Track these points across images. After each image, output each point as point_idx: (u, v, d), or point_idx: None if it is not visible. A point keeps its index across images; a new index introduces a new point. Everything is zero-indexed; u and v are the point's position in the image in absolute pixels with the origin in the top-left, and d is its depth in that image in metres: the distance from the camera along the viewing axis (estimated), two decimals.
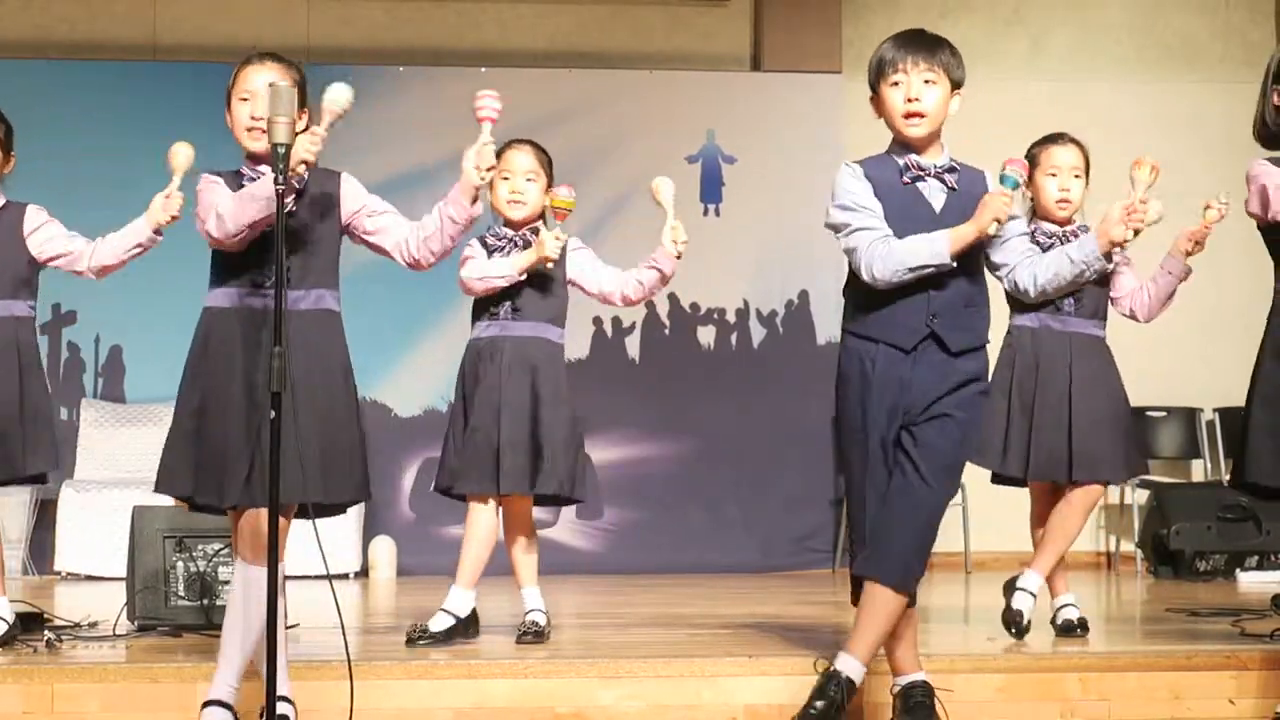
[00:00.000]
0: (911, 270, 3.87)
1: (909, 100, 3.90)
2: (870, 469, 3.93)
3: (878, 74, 3.97)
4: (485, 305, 4.93)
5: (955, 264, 3.86)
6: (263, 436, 3.70)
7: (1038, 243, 4.97)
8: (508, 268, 4.83)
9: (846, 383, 3.99)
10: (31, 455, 4.78)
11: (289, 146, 3.63)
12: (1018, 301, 5.01)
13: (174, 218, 4.65)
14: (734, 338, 8.83)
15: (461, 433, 4.88)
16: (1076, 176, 5.10)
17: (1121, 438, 5.13)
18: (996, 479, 5.18)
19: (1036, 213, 5.14)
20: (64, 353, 8.38)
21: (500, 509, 4.93)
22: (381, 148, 8.03)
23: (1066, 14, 9.27)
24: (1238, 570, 7.70)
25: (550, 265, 4.82)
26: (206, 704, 3.86)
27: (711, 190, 8.86)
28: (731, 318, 8.82)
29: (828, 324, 8.73)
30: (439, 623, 4.80)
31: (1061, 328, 5.11)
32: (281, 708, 3.85)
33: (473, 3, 9.01)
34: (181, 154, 4.55)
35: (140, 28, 8.76)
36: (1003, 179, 3.87)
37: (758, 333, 8.82)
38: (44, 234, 4.85)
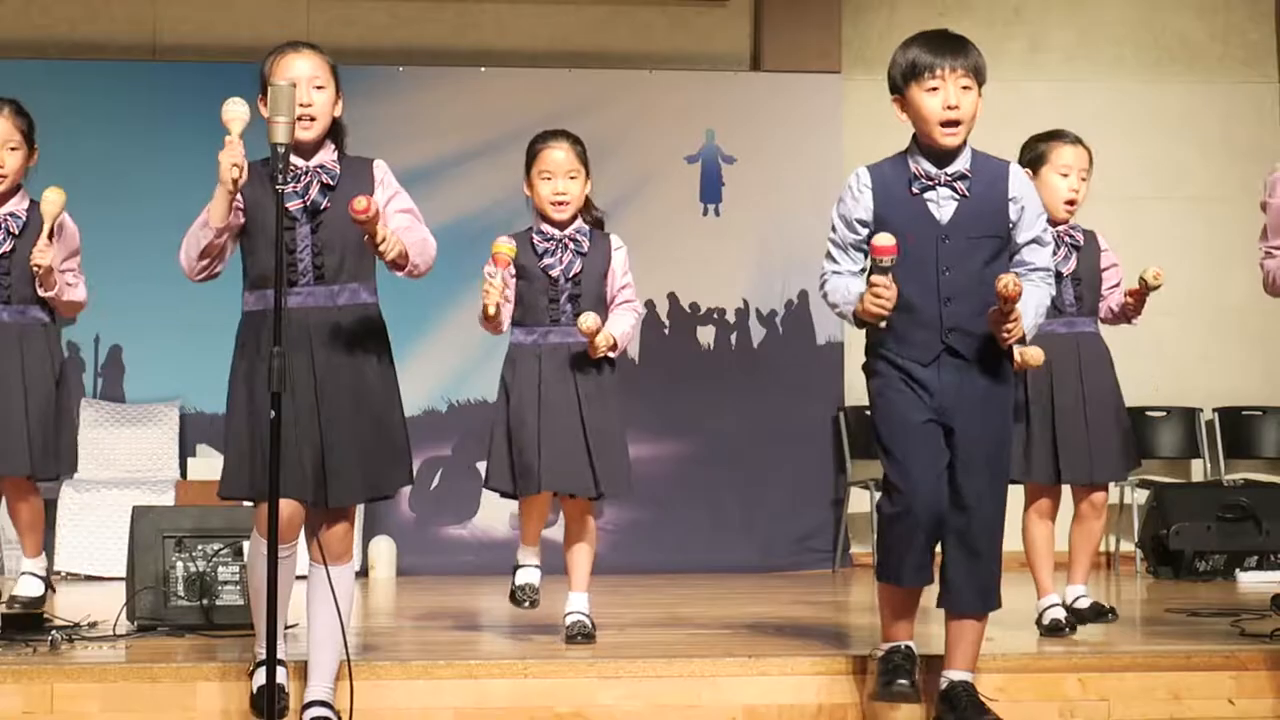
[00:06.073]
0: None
1: (949, 108, 3.83)
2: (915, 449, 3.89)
3: (908, 76, 3.86)
4: (539, 306, 4.89)
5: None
6: (325, 435, 3.84)
7: None
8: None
9: (882, 395, 3.94)
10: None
11: (289, 146, 3.68)
12: None
13: None
14: (734, 338, 8.82)
15: (506, 438, 4.88)
16: (1084, 179, 5.08)
17: (1123, 434, 5.15)
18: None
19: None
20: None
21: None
22: (381, 147, 7.87)
23: (1066, 14, 9.26)
24: (1237, 570, 7.69)
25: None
26: (308, 704, 3.89)
27: (711, 190, 8.86)
28: (731, 318, 8.82)
29: (828, 324, 8.73)
30: (528, 575, 4.93)
31: (1067, 330, 5.09)
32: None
33: (473, 3, 9.01)
34: None
35: (140, 28, 8.76)
36: None
37: (758, 333, 8.82)
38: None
